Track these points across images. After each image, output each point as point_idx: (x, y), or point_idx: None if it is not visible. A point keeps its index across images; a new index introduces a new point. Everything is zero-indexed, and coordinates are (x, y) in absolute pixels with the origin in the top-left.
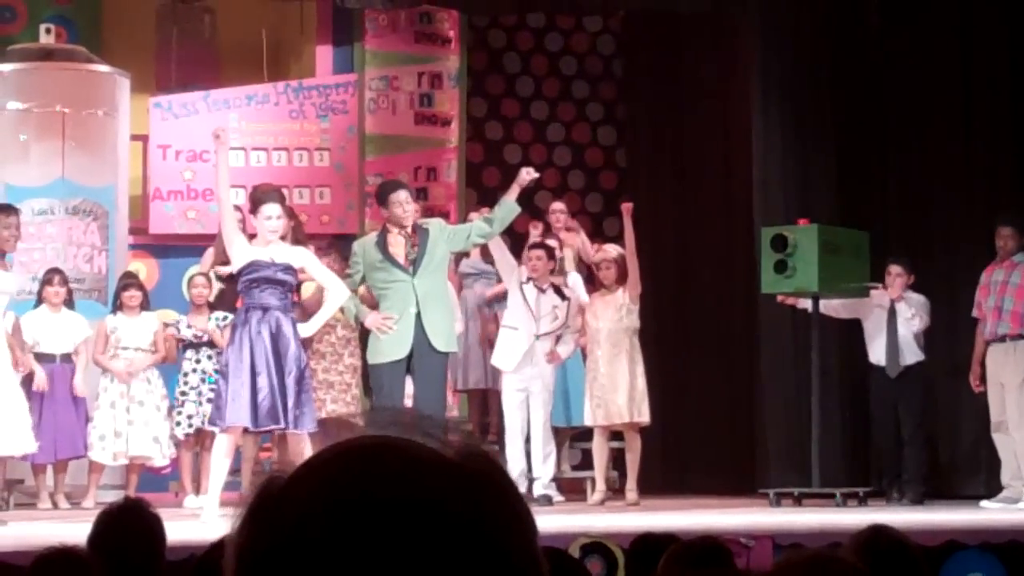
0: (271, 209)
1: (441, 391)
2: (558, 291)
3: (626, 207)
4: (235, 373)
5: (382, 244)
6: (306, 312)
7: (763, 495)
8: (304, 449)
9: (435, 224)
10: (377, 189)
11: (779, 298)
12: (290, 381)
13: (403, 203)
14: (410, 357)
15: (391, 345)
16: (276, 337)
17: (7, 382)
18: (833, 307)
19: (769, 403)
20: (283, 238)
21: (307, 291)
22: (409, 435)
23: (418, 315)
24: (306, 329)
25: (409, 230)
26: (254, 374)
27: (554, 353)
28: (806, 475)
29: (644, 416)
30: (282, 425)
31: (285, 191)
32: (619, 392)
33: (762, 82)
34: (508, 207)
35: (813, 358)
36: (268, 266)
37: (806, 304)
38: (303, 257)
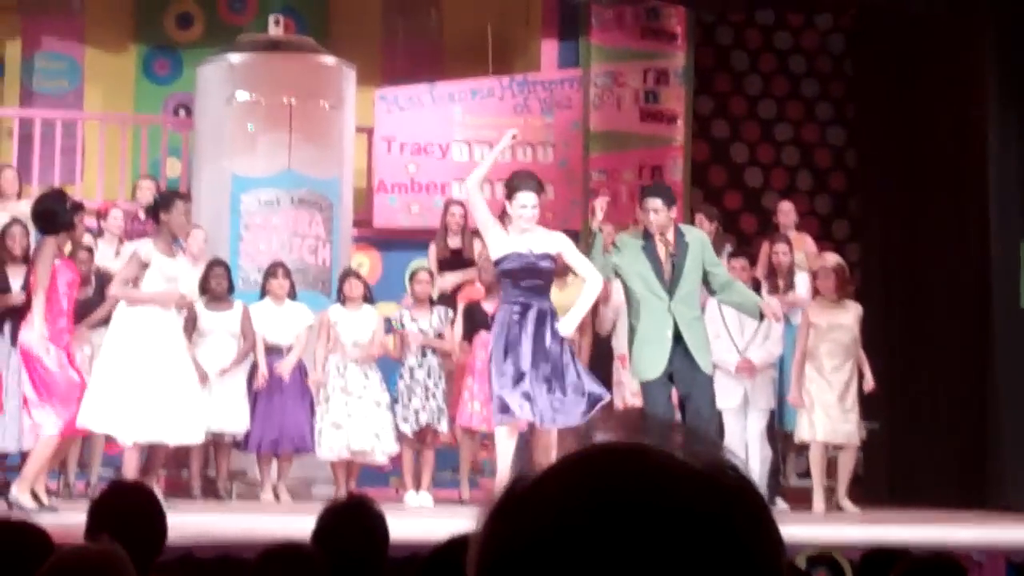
0: (527, 198)
1: (711, 411)
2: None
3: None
4: (499, 371)
5: (650, 250)
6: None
7: (995, 508)
8: (550, 445)
9: (697, 239)
10: (642, 188)
11: None
12: (549, 376)
13: (649, 211)
14: (671, 376)
15: (647, 365)
16: (539, 331)
17: (180, 370)
18: None
19: (1008, 415)
20: None
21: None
22: (656, 443)
23: (678, 338)
24: (565, 327)
25: (669, 236)
26: (518, 372)
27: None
28: None
29: (860, 435)
30: (536, 421)
31: None
32: (840, 414)
33: (998, 87)
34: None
35: None
36: (526, 256)
37: None
38: (560, 243)
